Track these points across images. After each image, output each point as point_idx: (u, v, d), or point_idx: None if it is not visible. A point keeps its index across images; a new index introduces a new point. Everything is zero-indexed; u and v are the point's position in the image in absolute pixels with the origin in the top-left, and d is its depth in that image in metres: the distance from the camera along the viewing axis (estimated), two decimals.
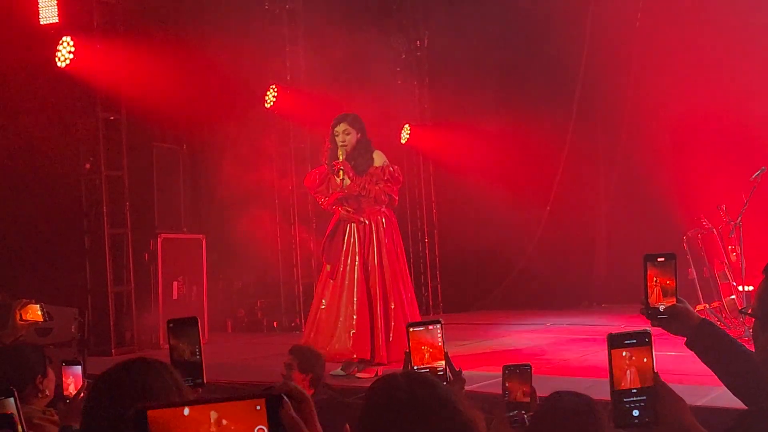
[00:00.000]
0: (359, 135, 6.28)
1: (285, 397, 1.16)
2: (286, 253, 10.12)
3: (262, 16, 10.00)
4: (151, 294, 8.53)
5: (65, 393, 3.16)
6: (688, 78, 9.83)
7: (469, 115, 11.15)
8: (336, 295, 6.26)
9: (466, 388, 2.61)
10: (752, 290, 7.48)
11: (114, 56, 7.97)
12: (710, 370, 2.27)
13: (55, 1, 7.79)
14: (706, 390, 4.54)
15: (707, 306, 7.69)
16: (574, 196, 11.36)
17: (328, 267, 6.39)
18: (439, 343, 2.44)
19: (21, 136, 8.43)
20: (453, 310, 11.34)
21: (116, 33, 8.20)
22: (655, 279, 2.19)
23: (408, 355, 2.46)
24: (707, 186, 8.94)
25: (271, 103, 9.82)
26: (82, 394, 3.06)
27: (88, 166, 8.21)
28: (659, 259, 2.18)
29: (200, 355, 2.24)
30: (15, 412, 2.22)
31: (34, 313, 4.15)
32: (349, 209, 6.33)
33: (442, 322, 2.49)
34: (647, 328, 1.75)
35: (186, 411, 1.13)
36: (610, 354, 1.74)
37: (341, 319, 6.18)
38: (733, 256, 7.68)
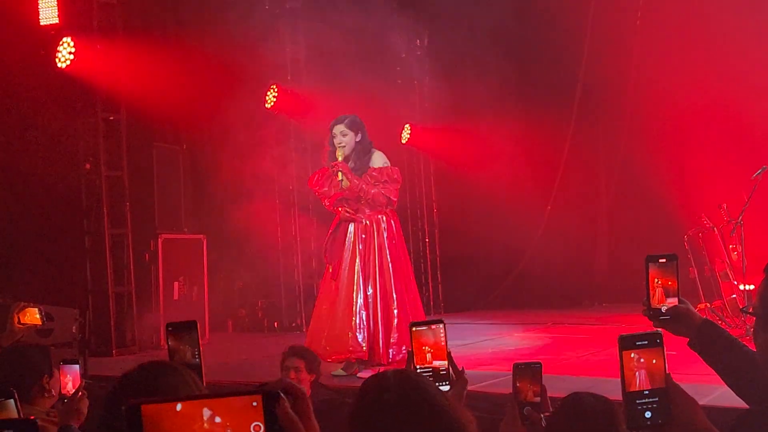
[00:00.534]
0: (358, 136, 6.28)
1: (282, 394, 1.15)
2: (287, 253, 10.11)
3: (262, 16, 9.99)
4: (151, 294, 8.53)
5: (63, 392, 3.15)
6: (689, 77, 9.82)
7: (470, 115, 11.14)
8: (337, 296, 6.27)
9: (468, 388, 2.60)
10: (753, 289, 7.47)
11: (114, 56, 7.97)
12: (713, 370, 2.26)
13: (56, 2, 7.79)
14: (709, 389, 4.52)
15: (708, 305, 7.68)
16: (575, 195, 11.35)
17: (330, 268, 6.40)
18: (442, 343, 2.43)
19: (21, 136, 8.43)
20: (454, 309, 11.34)
21: (116, 33, 8.20)
22: (656, 280, 2.19)
23: (410, 354, 2.45)
24: (708, 185, 8.93)
25: (272, 103, 9.82)
26: (80, 393, 3.06)
27: (88, 166, 8.22)
28: (661, 260, 2.17)
29: (199, 357, 2.25)
30: (16, 414, 2.21)
31: (33, 316, 4.13)
32: (349, 210, 6.33)
33: (445, 322, 2.49)
34: (658, 330, 1.75)
35: (179, 407, 1.12)
36: (621, 355, 1.73)
37: (341, 318, 6.19)
38: (734, 255, 7.67)
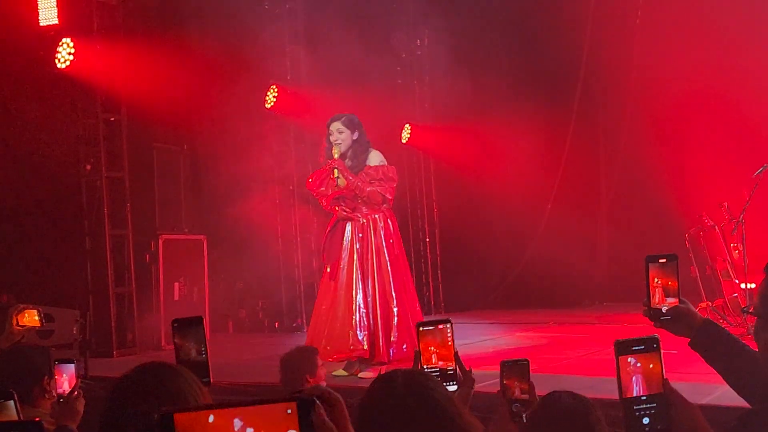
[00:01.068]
0: (355, 135, 6.28)
1: (317, 401, 1.13)
2: (288, 253, 10.10)
3: (262, 16, 9.98)
4: (152, 295, 8.52)
5: (59, 392, 3.14)
6: (690, 75, 9.82)
7: (470, 114, 11.13)
8: (335, 295, 6.26)
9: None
10: (754, 288, 7.46)
11: (114, 57, 7.96)
12: (714, 370, 2.25)
13: (55, 3, 7.78)
14: (710, 389, 4.52)
15: (710, 304, 7.68)
16: (575, 194, 11.34)
17: (328, 268, 6.39)
18: (449, 343, 2.42)
19: (21, 137, 8.42)
20: (454, 309, 11.32)
21: (116, 34, 8.19)
22: (656, 280, 2.18)
23: (418, 354, 2.44)
24: (709, 183, 8.92)
25: (272, 103, 9.80)
26: (75, 393, 3.05)
27: (88, 167, 8.21)
28: (661, 260, 2.16)
29: (206, 354, 2.24)
30: (15, 415, 2.20)
31: (32, 318, 4.13)
32: (346, 209, 6.33)
33: (452, 322, 2.48)
34: (655, 334, 1.73)
35: (211, 418, 1.11)
36: (617, 361, 1.70)
37: (341, 318, 6.19)
38: (735, 254, 7.66)
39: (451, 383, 2.35)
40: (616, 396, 1.82)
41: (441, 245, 12.15)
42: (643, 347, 1.71)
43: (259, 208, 9.47)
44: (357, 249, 6.25)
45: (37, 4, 7.83)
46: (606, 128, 11.70)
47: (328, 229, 6.48)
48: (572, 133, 11.50)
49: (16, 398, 2.21)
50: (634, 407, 1.71)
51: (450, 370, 2.39)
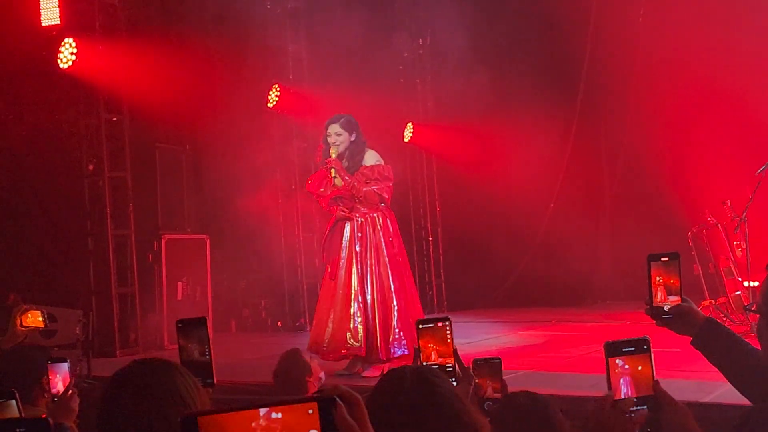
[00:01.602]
0: (353, 136, 6.33)
1: (339, 401, 1.13)
2: (290, 252, 10.11)
3: (264, 16, 9.98)
4: (155, 295, 8.53)
5: (53, 391, 3.15)
6: (693, 73, 9.80)
7: (472, 113, 11.12)
8: (335, 295, 6.29)
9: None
10: (757, 286, 7.45)
11: (116, 57, 7.96)
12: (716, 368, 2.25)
13: (57, 3, 7.79)
14: (713, 386, 4.53)
15: (713, 302, 7.67)
16: (577, 192, 11.33)
17: (329, 268, 6.41)
18: (448, 340, 2.43)
19: (24, 137, 8.43)
20: (457, 308, 11.33)
21: (118, 34, 8.20)
22: (658, 278, 2.17)
23: (417, 351, 2.45)
24: (712, 181, 8.91)
25: (274, 103, 9.80)
26: (70, 392, 3.05)
27: (91, 167, 8.21)
28: (663, 259, 2.16)
29: (210, 354, 2.24)
30: (17, 414, 2.21)
31: (35, 318, 4.13)
32: (344, 209, 6.35)
33: (451, 320, 2.49)
34: (646, 336, 1.71)
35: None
36: (607, 363, 1.70)
37: (339, 318, 6.21)
38: (738, 252, 7.66)
39: (451, 380, 2.35)
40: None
41: (443, 244, 12.15)
42: (633, 349, 1.70)
43: (262, 208, 9.48)
44: (356, 248, 6.28)
45: (39, 4, 7.83)
46: (609, 126, 11.69)
47: (328, 229, 6.51)
48: (575, 132, 11.49)
49: (18, 397, 2.21)
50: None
51: (449, 367, 2.40)
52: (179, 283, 8.79)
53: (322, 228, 8.28)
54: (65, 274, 8.26)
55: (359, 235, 6.29)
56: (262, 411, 1.10)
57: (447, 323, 2.45)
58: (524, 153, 10.92)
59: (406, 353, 6.06)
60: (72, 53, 7.77)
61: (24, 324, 4.13)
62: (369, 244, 6.28)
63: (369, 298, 6.21)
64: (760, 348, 2.23)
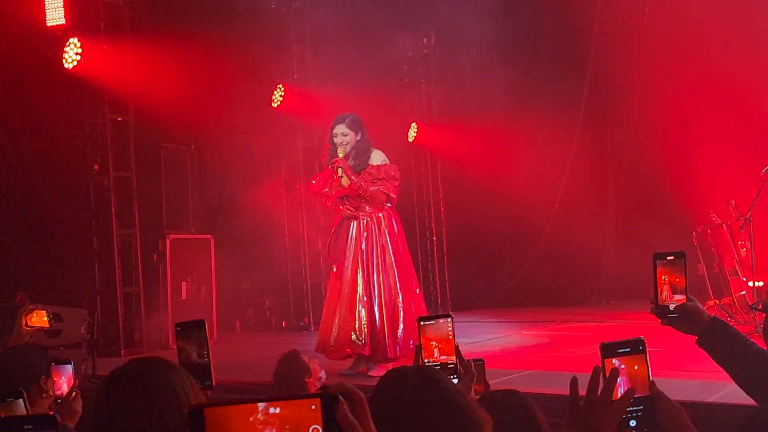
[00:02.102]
0: (358, 136, 6.33)
1: (341, 398, 1.15)
2: (295, 252, 10.12)
3: (268, 16, 10.00)
4: (159, 294, 8.54)
5: (57, 392, 3.15)
6: (697, 73, 9.79)
7: (477, 113, 11.13)
8: (341, 294, 6.29)
9: None
10: (762, 286, 7.44)
11: (121, 57, 7.98)
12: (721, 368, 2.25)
13: (62, 3, 7.80)
14: (719, 386, 4.52)
15: (717, 302, 7.66)
16: (582, 192, 11.33)
17: (334, 267, 6.42)
18: (450, 337, 2.43)
19: (29, 137, 8.45)
20: (461, 307, 11.32)
21: (123, 34, 8.21)
22: (664, 277, 2.18)
23: (419, 348, 2.46)
24: (717, 181, 8.91)
25: (278, 103, 9.81)
26: (74, 393, 3.06)
27: (96, 167, 8.23)
28: (669, 258, 2.16)
29: (208, 357, 2.25)
30: (25, 413, 2.22)
31: (41, 318, 4.15)
32: (350, 208, 6.36)
33: (453, 316, 2.49)
34: (641, 336, 1.72)
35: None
36: (603, 364, 1.70)
37: (344, 317, 6.21)
38: (743, 252, 7.65)
39: (452, 377, 2.36)
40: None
41: (448, 244, 12.15)
42: (628, 349, 1.70)
43: (266, 208, 9.49)
44: (362, 248, 6.28)
45: (44, 5, 7.84)
46: (613, 126, 11.68)
47: (333, 228, 6.52)
48: (579, 132, 11.49)
49: (25, 397, 2.23)
50: None
51: (451, 363, 2.41)
52: (184, 283, 8.80)
53: (327, 228, 8.30)
54: (70, 274, 8.28)
55: (365, 234, 6.30)
56: (261, 405, 1.12)
57: (449, 320, 2.45)
58: (529, 153, 10.92)
59: (412, 351, 6.06)
60: (77, 53, 7.78)
61: (29, 324, 4.14)
62: (375, 243, 6.29)
63: (375, 297, 6.21)
64: (765, 347, 2.23)
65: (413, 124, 11.63)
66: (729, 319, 7.29)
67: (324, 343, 6.28)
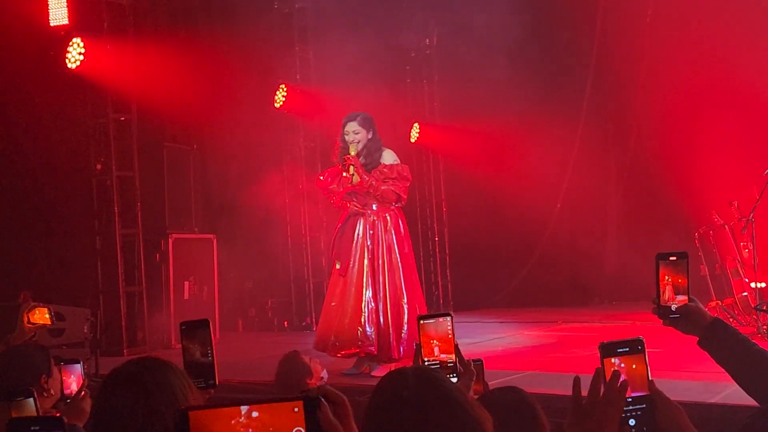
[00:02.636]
0: (370, 134, 6.29)
1: (323, 400, 1.16)
2: (297, 252, 10.13)
3: (271, 16, 10.01)
4: (162, 294, 8.55)
5: (66, 392, 3.16)
6: (700, 73, 9.79)
7: (479, 113, 11.13)
8: (345, 292, 6.25)
9: None
10: (765, 287, 7.44)
11: (124, 57, 7.99)
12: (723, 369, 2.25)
13: (65, 3, 7.81)
14: (721, 387, 4.52)
15: (720, 303, 7.65)
16: (584, 193, 11.33)
17: (338, 265, 6.39)
18: (450, 336, 2.44)
19: (32, 137, 8.47)
20: (463, 308, 11.33)
21: (126, 34, 8.22)
22: (666, 278, 2.18)
23: (418, 347, 2.46)
24: (719, 182, 8.90)
25: (281, 103, 9.82)
26: (83, 393, 3.07)
27: (99, 166, 8.24)
28: (671, 258, 2.17)
29: (212, 356, 2.27)
30: (35, 412, 2.23)
31: (43, 316, 4.17)
32: (357, 205, 6.33)
33: (452, 315, 2.50)
34: (640, 336, 1.73)
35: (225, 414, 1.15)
36: (602, 364, 1.71)
37: (350, 314, 6.16)
38: (745, 253, 7.64)
39: (452, 376, 2.37)
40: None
41: (450, 244, 12.16)
42: (627, 349, 1.71)
43: (269, 207, 9.50)
44: (368, 246, 6.24)
45: (47, 4, 7.86)
46: (615, 127, 11.68)
47: (339, 225, 6.47)
48: (581, 132, 11.49)
49: (35, 396, 2.24)
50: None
51: (450, 362, 2.41)
52: (186, 283, 8.81)
53: (329, 228, 8.31)
54: (73, 273, 8.29)
55: (371, 232, 6.27)
56: (244, 409, 1.13)
57: (448, 319, 2.46)
58: (531, 153, 10.92)
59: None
60: (80, 53, 7.80)
61: (31, 321, 4.16)
62: (381, 242, 6.26)
63: (381, 296, 6.18)
64: None
65: (415, 124, 11.64)
66: (731, 320, 7.29)
67: (325, 340, 6.23)
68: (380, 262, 6.24)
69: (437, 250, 12.07)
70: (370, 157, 6.27)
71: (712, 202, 8.36)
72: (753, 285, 7.47)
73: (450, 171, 12.11)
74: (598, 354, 1.72)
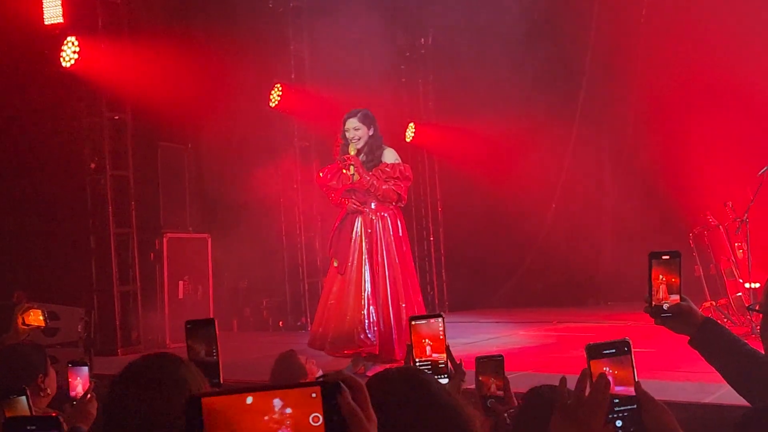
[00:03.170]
0: (371, 131, 6.21)
1: (343, 385, 1.16)
2: (292, 252, 10.13)
3: (266, 15, 10.00)
4: (156, 293, 8.54)
5: (72, 394, 3.16)
6: (694, 73, 9.81)
7: (474, 113, 11.14)
8: (344, 290, 6.19)
9: (470, 386, 2.61)
10: (759, 287, 7.45)
11: (119, 56, 7.98)
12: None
13: (60, 1, 7.80)
14: (714, 387, 4.53)
15: (714, 303, 7.66)
16: (579, 193, 11.35)
17: (335, 262, 6.34)
18: (441, 337, 2.45)
19: (26, 136, 8.45)
20: (459, 308, 11.34)
21: (121, 32, 8.21)
22: (660, 277, 2.19)
23: (410, 347, 2.47)
24: (714, 182, 8.91)
25: (276, 102, 9.81)
26: (89, 395, 3.06)
27: (93, 165, 8.23)
28: (664, 257, 2.17)
29: (217, 355, 2.27)
30: (28, 411, 2.23)
31: (37, 318, 4.16)
32: (356, 203, 6.28)
33: (444, 316, 2.51)
34: (626, 338, 1.74)
35: (249, 399, 1.12)
36: (589, 365, 1.72)
37: (350, 313, 6.11)
38: (739, 253, 7.65)
39: (443, 376, 2.38)
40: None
41: (445, 244, 12.17)
42: (614, 350, 1.72)
43: (263, 207, 9.50)
44: (366, 245, 6.20)
45: (41, 3, 7.85)
46: (610, 127, 11.69)
47: (337, 223, 6.40)
48: (576, 132, 11.51)
49: (28, 394, 2.24)
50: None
51: (441, 363, 2.42)
52: (181, 282, 8.80)
53: (324, 228, 8.30)
54: (67, 272, 8.28)
55: (369, 231, 6.21)
56: (261, 394, 1.12)
57: (440, 319, 2.47)
58: (526, 153, 10.93)
59: None
60: (75, 52, 7.79)
61: (26, 322, 4.15)
62: (380, 242, 6.20)
63: (381, 296, 6.12)
64: (762, 348, 2.24)
65: (411, 124, 11.65)
66: (725, 320, 7.30)
67: (322, 338, 6.16)
68: (379, 260, 6.19)
69: (432, 250, 12.07)
70: (371, 155, 6.20)
71: (707, 202, 8.38)
72: (747, 285, 7.48)
73: (445, 171, 12.12)
74: (585, 355, 1.72)
